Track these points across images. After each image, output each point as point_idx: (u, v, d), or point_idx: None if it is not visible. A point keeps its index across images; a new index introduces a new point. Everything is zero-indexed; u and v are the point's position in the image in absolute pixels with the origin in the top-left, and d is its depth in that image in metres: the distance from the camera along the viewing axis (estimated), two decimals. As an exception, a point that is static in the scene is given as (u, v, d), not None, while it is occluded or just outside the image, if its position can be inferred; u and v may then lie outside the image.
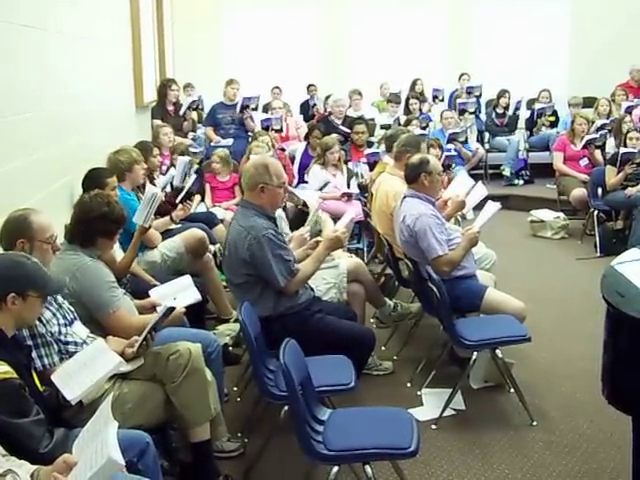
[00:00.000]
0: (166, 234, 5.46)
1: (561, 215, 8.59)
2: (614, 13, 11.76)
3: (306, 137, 8.56)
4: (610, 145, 8.79)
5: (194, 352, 3.43)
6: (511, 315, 4.46)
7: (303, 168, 8.03)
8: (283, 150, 8.47)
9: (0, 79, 3.94)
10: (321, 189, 7.01)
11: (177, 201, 5.55)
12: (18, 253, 2.96)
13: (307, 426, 3.07)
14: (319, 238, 4.58)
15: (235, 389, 4.62)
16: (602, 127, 9.22)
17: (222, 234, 5.96)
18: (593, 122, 9.27)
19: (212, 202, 7.30)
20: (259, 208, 4.13)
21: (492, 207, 4.96)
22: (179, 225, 5.70)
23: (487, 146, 11.01)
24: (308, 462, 3.34)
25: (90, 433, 2.41)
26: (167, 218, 5.53)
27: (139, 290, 4.33)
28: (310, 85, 11.81)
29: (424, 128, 9.28)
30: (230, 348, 4.98)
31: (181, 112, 8.91)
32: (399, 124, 9.16)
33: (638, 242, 6.34)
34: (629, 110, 9.59)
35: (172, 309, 3.52)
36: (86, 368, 2.97)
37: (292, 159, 8.40)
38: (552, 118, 10.84)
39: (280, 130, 9.00)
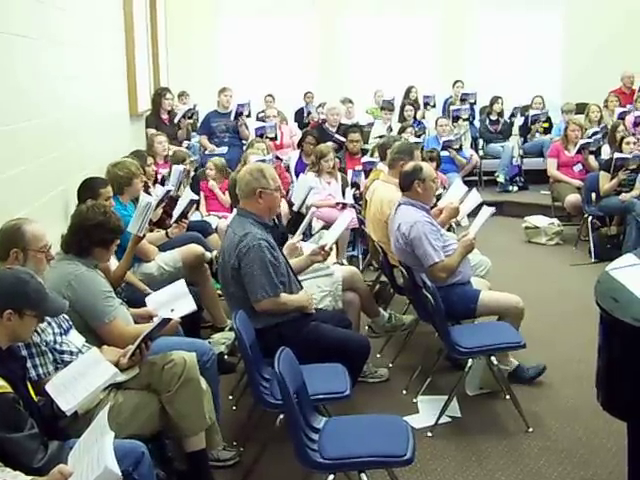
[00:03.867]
0: (164, 244, 5.45)
1: (555, 221, 8.60)
2: (606, 19, 11.82)
3: (299, 144, 8.56)
4: (605, 152, 8.81)
5: (189, 361, 3.43)
6: (508, 310, 4.52)
7: (297, 175, 8.03)
8: (280, 159, 8.44)
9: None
10: (305, 197, 6.94)
11: (172, 221, 5.54)
12: (25, 270, 2.94)
13: (302, 434, 3.07)
14: (321, 243, 4.64)
15: (230, 398, 4.61)
16: (595, 133, 9.25)
17: (217, 242, 5.96)
18: (586, 129, 9.30)
19: (207, 210, 7.30)
20: (256, 216, 4.13)
21: (485, 212, 4.97)
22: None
23: (481, 153, 11.04)
24: (304, 470, 3.32)
25: (86, 443, 2.40)
26: (162, 233, 5.52)
27: (134, 299, 4.32)
28: (307, 93, 11.83)
29: (419, 136, 9.29)
30: (225, 357, 4.97)
31: (175, 120, 8.92)
32: (390, 130, 9.17)
33: (632, 248, 6.37)
34: (622, 116, 9.63)
35: (168, 320, 3.52)
36: (81, 378, 2.97)
37: (287, 169, 8.39)
38: (546, 124, 10.87)
39: (274, 138, 9.00)
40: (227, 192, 7.22)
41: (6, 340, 2.79)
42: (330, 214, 6.96)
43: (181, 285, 4.18)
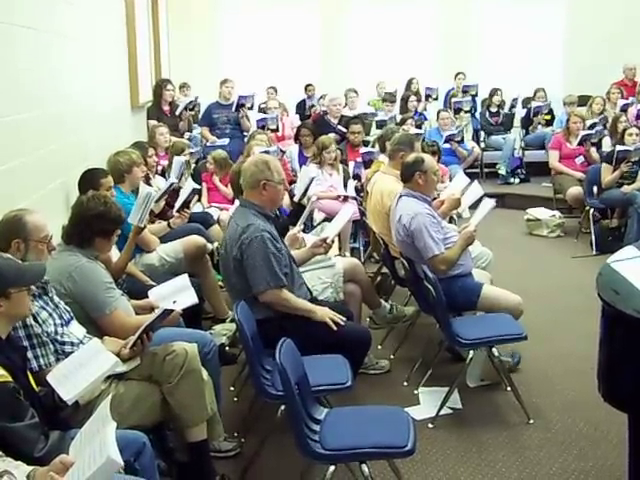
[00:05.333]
0: (165, 235, 5.46)
1: (557, 213, 8.60)
2: (609, 12, 11.80)
3: (296, 138, 8.53)
4: (607, 144, 8.80)
5: (190, 352, 3.43)
6: (508, 309, 4.49)
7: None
8: (283, 152, 8.41)
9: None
10: (307, 188, 6.92)
11: (174, 211, 5.54)
12: None
13: (304, 425, 3.07)
14: (323, 235, 4.64)
15: (232, 389, 4.62)
16: (594, 125, 9.23)
17: (218, 234, 5.96)
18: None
19: (208, 202, 7.29)
20: (259, 207, 4.12)
21: (487, 204, 4.96)
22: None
23: (483, 145, 11.04)
24: (305, 461, 3.33)
25: (88, 433, 2.40)
26: (164, 224, 5.52)
27: (135, 290, 4.33)
28: (308, 85, 11.80)
29: (419, 127, 9.28)
30: (226, 348, 4.98)
31: (177, 112, 8.91)
32: (396, 123, 9.17)
33: (634, 240, 6.37)
34: (624, 108, 9.61)
35: (170, 311, 3.52)
36: (82, 368, 2.96)
37: (291, 167, 8.37)
38: (548, 117, 10.86)
39: (276, 130, 8.98)
40: (229, 184, 7.22)
41: (6, 326, 2.78)
42: (332, 206, 6.95)
43: (183, 279, 4.18)
